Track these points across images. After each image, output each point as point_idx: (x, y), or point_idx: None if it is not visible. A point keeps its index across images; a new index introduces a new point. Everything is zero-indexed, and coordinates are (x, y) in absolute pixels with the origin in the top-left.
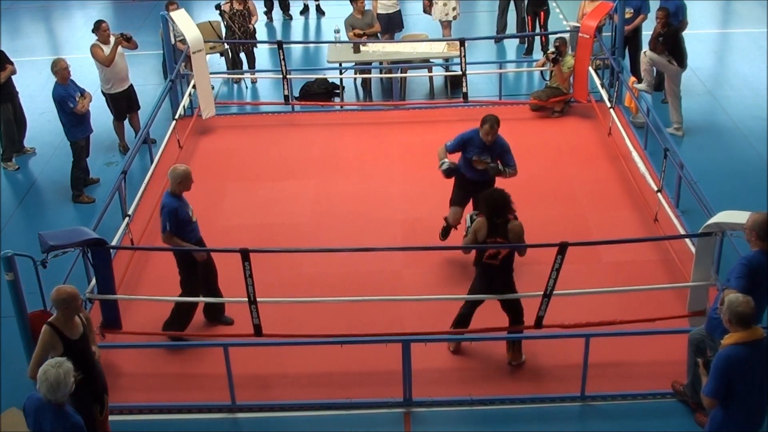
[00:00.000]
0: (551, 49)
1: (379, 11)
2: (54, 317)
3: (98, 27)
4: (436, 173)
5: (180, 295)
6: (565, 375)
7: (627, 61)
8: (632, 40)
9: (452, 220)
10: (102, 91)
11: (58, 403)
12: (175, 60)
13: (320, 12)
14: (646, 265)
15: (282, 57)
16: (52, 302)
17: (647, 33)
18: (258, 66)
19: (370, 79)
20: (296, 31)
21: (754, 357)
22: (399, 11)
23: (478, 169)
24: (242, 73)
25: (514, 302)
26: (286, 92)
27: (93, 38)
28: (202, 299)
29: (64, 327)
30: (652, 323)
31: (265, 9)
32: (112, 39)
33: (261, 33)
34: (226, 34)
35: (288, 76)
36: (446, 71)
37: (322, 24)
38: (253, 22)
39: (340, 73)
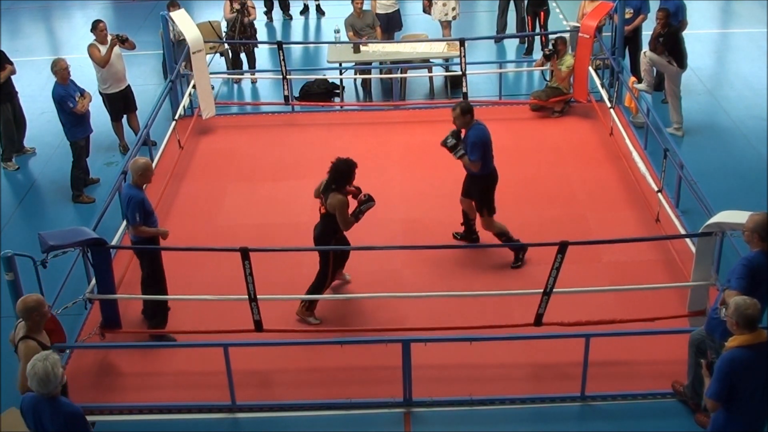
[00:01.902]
0: (549, 46)
1: (379, 11)
2: (27, 329)
3: (95, 27)
4: (435, 173)
5: (147, 291)
6: (565, 375)
7: (627, 61)
8: (632, 40)
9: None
10: (99, 91)
11: (52, 396)
12: (175, 60)
13: (320, 12)
14: (647, 265)
15: (282, 57)
16: (18, 314)
17: (647, 33)
18: (258, 66)
19: (370, 79)
20: (296, 31)
21: (758, 360)
22: (398, 11)
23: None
24: (242, 73)
25: (321, 265)
26: (286, 92)
27: (92, 38)
28: (208, 297)
29: (40, 336)
30: (652, 323)
31: (265, 9)
32: (109, 39)
33: (261, 33)
34: (226, 34)
35: (288, 76)
36: (446, 71)
37: (322, 24)
38: (251, 17)
39: (340, 73)
